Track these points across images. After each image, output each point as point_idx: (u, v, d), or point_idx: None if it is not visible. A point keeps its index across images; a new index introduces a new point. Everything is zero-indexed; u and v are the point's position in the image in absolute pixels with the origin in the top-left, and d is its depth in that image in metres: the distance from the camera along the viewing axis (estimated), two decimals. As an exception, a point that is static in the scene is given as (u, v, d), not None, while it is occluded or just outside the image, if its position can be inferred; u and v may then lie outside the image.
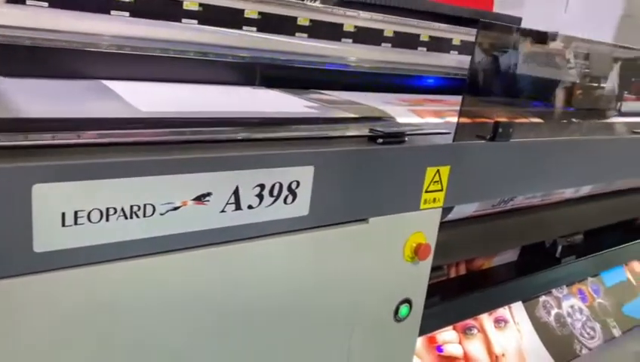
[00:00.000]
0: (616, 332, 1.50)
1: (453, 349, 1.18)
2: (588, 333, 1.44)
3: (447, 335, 1.19)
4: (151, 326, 0.57)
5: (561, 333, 1.39)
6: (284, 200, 0.62)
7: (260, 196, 0.60)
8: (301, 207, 0.64)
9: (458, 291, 1.12)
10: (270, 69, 0.98)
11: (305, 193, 0.63)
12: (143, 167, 0.51)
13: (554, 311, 1.42)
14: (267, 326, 0.67)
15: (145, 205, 0.52)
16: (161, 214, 0.53)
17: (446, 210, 0.93)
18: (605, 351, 1.40)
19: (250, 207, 0.60)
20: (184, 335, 0.60)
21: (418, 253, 0.78)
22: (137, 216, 0.52)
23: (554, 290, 1.46)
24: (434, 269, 1.01)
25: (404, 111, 0.93)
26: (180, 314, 0.58)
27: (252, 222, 0.60)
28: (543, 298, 1.42)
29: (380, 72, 1.17)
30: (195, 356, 0.61)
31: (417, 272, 0.81)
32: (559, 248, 1.28)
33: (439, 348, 1.16)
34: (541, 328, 1.35)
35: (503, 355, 1.24)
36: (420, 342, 1.14)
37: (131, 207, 0.51)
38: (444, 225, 0.98)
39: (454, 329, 1.21)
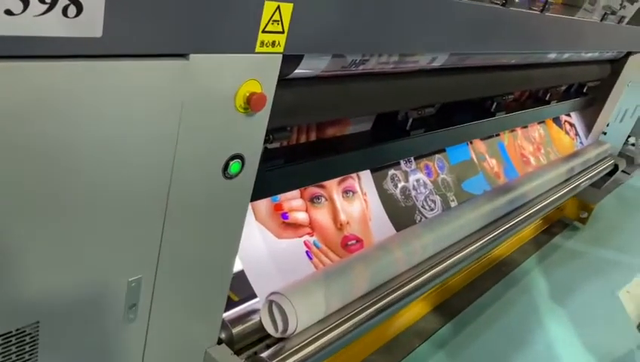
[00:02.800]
0: (454, 205, 1.61)
1: (299, 216, 1.16)
2: (429, 205, 1.52)
3: (294, 203, 1.17)
4: None
5: (405, 205, 1.45)
6: (64, 12, 0.48)
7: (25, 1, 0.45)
8: (89, 24, 0.50)
9: (304, 156, 1.08)
10: None
11: (95, 6, 0.50)
12: None
13: (400, 184, 1.46)
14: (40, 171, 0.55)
15: None
16: None
17: (291, 63, 0.84)
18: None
19: (9, 12, 0.45)
20: None
21: (251, 103, 0.69)
22: None
23: (402, 164, 1.49)
24: (278, 130, 0.94)
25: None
26: None
27: (12, 35, 0.46)
28: (391, 171, 1.45)
29: None
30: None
31: (251, 125, 0.73)
32: (410, 120, 1.28)
33: (284, 215, 1.13)
34: (387, 199, 1.39)
35: (348, 223, 1.26)
36: (265, 207, 1.10)
37: None
38: (290, 83, 0.90)
39: (302, 197, 1.19)
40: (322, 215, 1.22)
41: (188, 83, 0.62)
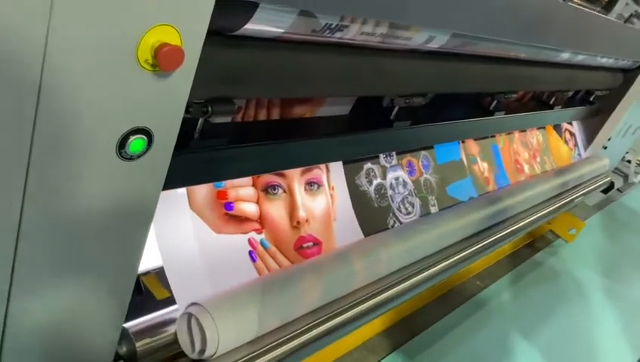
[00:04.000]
0: (434, 210, 1.42)
1: (246, 208, 0.97)
2: (406, 208, 1.33)
3: (242, 192, 0.97)
4: None
5: (378, 205, 1.26)
6: None
7: None
8: None
9: (259, 137, 0.87)
10: None
11: None
12: None
13: (376, 181, 1.27)
14: None
15: None
16: None
17: (240, 13, 0.64)
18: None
19: None
20: None
21: (160, 57, 0.49)
22: None
23: (382, 159, 1.30)
24: (220, 101, 0.74)
25: None
26: None
27: None
28: (368, 165, 1.26)
29: None
30: None
31: (162, 90, 0.53)
32: (396, 109, 1.08)
33: (229, 205, 0.94)
34: (358, 197, 1.20)
35: (307, 221, 1.07)
36: (205, 194, 0.91)
37: None
38: (240, 42, 0.69)
39: (254, 185, 0.99)
40: (276, 209, 1.02)
41: (60, 14, 0.42)
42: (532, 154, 2.03)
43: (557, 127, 2.26)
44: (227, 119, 0.90)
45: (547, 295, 2.00)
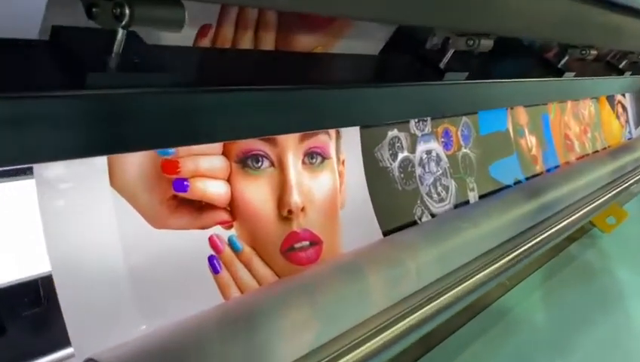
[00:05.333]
0: (473, 197, 1.08)
1: (209, 188, 0.62)
2: (438, 194, 0.99)
3: (206, 163, 0.62)
4: None
5: (403, 188, 0.91)
6: None
7: None
8: None
9: (229, 76, 0.52)
10: None
11: None
12: None
13: (402, 155, 0.92)
14: None
15: None
16: None
17: None
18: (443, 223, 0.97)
19: None
20: None
21: None
22: None
23: (412, 123, 0.94)
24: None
25: None
26: None
27: None
28: (393, 132, 0.90)
29: None
30: None
31: None
32: (449, 54, 0.71)
33: (180, 184, 0.59)
34: (376, 176, 0.86)
35: (303, 210, 0.72)
36: (140, 165, 0.56)
37: None
38: None
39: (225, 154, 0.64)
40: (258, 191, 0.67)
41: None
42: (583, 128, 1.67)
43: (610, 99, 1.89)
44: (187, 41, 0.54)
45: (583, 297, 1.69)
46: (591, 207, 1.38)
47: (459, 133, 1.07)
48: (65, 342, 0.48)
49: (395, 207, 0.89)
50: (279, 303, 0.59)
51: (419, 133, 0.96)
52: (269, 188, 0.69)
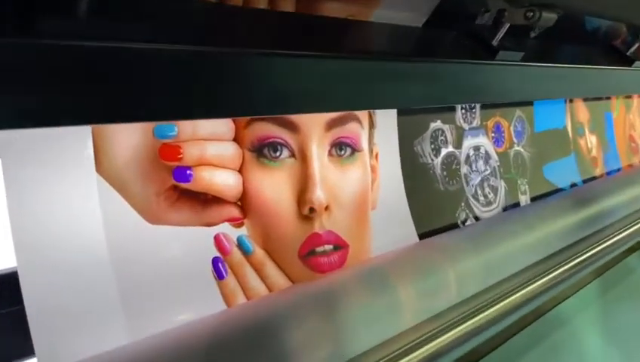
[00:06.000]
0: (524, 200, 0.96)
1: (217, 179, 0.53)
2: (485, 196, 0.87)
3: (214, 149, 0.53)
4: None
5: (445, 188, 0.80)
6: None
7: None
8: None
9: (238, 37, 0.43)
10: None
11: None
12: None
13: (446, 150, 0.81)
14: None
15: None
16: None
17: None
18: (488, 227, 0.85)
19: None
20: None
21: None
22: None
23: (459, 114, 0.83)
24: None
25: None
26: None
27: None
28: (436, 123, 0.80)
29: None
30: None
31: None
32: (504, 28, 0.60)
33: (182, 173, 0.51)
34: (414, 173, 0.75)
35: (328, 208, 0.63)
36: (134, 148, 0.48)
37: None
38: None
39: (236, 140, 0.55)
40: (275, 184, 0.58)
41: None
42: (650, 129, 1.50)
43: (680, 97, 1.70)
44: None
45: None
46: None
47: (511, 128, 0.95)
48: (29, 352, 0.40)
49: (435, 209, 0.78)
50: (289, 314, 0.50)
51: (466, 126, 0.85)
52: (288, 182, 0.60)
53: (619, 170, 1.30)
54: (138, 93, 0.36)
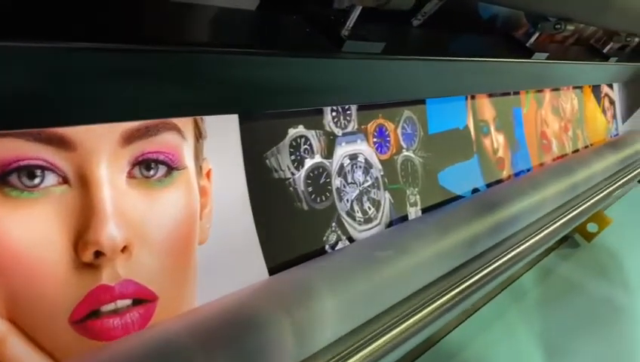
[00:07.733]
0: (414, 212, 0.84)
1: None
2: (364, 212, 0.74)
3: None
4: None
5: (310, 207, 0.66)
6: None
7: None
8: None
9: None
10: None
11: None
12: None
13: (312, 161, 0.67)
14: None
15: None
16: None
17: None
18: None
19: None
20: None
21: None
22: None
23: (328, 117, 0.70)
24: None
25: None
26: None
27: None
28: (298, 128, 0.65)
29: None
30: None
31: None
32: (353, 16, 0.46)
33: None
34: (267, 191, 0.61)
35: (125, 249, 0.47)
36: None
37: None
38: None
39: None
40: (33, 224, 0.42)
41: None
42: (563, 125, 1.44)
43: (596, 90, 1.66)
44: None
45: (560, 320, 1.46)
46: (567, 218, 1.15)
47: (398, 131, 0.82)
48: None
49: (296, 234, 0.64)
50: None
51: (339, 132, 0.71)
52: (56, 219, 0.44)
53: (529, 170, 1.22)
54: None
